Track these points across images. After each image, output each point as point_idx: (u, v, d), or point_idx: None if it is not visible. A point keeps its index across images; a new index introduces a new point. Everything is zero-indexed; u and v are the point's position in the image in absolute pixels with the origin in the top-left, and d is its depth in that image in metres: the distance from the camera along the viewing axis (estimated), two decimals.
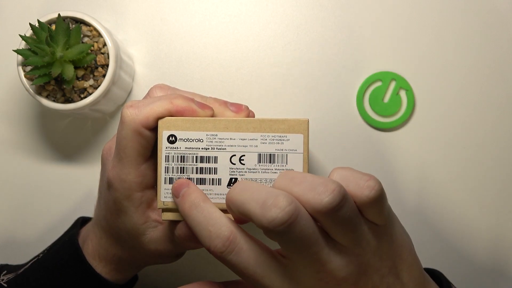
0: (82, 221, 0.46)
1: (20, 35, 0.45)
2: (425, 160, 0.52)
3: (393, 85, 0.52)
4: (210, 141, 0.35)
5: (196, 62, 0.53)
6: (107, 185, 0.39)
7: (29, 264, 0.45)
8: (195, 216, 0.33)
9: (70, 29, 0.45)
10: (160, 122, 0.36)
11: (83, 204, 0.54)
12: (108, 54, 0.47)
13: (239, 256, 0.31)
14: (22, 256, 0.52)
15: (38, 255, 0.45)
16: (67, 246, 0.43)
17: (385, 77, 0.52)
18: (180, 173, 0.36)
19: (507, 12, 0.52)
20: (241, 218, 0.33)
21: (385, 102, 0.52)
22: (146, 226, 0.39)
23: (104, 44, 0.47)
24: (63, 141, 0.54)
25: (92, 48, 0.47)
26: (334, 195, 0.29)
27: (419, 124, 0.52)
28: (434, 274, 0.39)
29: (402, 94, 0.52)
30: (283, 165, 0.35)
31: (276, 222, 0.29)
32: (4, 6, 0.54)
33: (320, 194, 0.30)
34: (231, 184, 0.35)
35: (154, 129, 0.36)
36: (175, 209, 0.36)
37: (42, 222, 0.54)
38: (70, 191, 0.53)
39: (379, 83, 0.52)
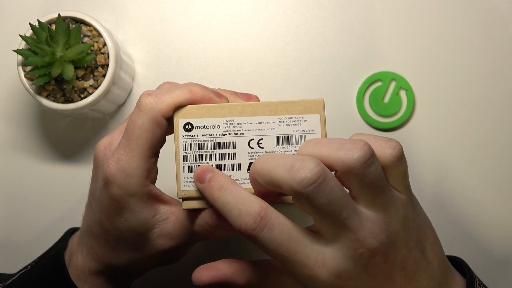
0: (72, 233, 0.45)
1: (20, 35, 0.45)
2: (425, 160, 0.52)
3: (393, 85, 0.52)
4: (227, 127, 0.35)
5: (196, 62, 0.53)
6: (104, 183, 0.37)
7: (17, 276, 0.43)
8: (224, 197, 0.33)
9: (70, 29, 0.45)
10: (175, 110, 0.35)
11: (82, 204, 0.53)
12: (108, 54, 0.47)
13: (271, 232, 0.31)
14: (21, 256, 0.52)
15: (26, 267, 0.43)
16: (52, 262, 0.41)
17: (385, 77, 0.52)
18: (199, 160, 0.35)
19: (507, 12, 0.52)
20: (266, 192, 0.33)
21: (385, 102, 0.52)
22: (155, 219, 0.37)
23: (104, 44, 0.47)
24: (63, 141, 0.54)
25: (92, 48, 0.47)
26: (364, 150, 0.30)
27: (419, 124, 0.52)
28: (457, 262, 0.39)
29: (402, 94, 0.52)
30: None
31: (306, 182, 0.29)
32: (4, 6, 0.54)
33: (351, 150, 0.30)
34: None
35: (169, 119, 0.36)
36: (197, 197, 0.35)
37: (41, 222, 0.54)
38: (70, 191, 0.53)
39: (379, 83, 0.52)
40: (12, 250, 0.54)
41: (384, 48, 0.53)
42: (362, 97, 0.52)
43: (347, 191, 0.32)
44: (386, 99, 0.52)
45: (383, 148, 0.32)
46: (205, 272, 0.35)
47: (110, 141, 0.39)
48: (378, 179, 0.31)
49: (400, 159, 0.32)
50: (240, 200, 0.32)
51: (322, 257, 0.31)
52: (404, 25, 0.53)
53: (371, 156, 0.30)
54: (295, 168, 0.30)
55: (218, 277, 0.35)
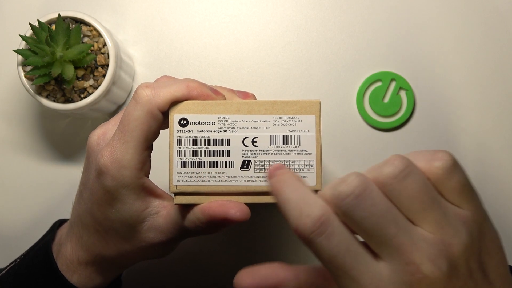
0: (60, 225, 0.44)
1: (20, 35, 0.45)
2: None
3: (393, 85, 0.52)
4: (222, 124, 0.35)
5: (196, 62, 0.53)
6: (97, 173, 0.36)
7: (6, 269, 0.43)
8: (287, 193, 0.30)
9: (70, 29, 0.45)
10: (171, 105, 0.36)
11: None
12: (108, 54, 0.47)
13: (329, 240, 0.28)
14: None
15: (15, 260, 0.43)
16: (40, 254, 0.41)
17: (385, 77, 0.52)
18: (193, 156, 0.35)
19: (507, 12, 0.52)
20: None
21: (385, 102, 0.52)
22: (147, 212, 0.37)
23: (104, 44, 0.47)
24: (63, 141, 0.54)
25: (92, 48, 0.47)
26: (395, 165, 0.28)
27: (419, 124, 0.52)
28: None
29: (402, 94, 0.52)
30: (296, 146, 0.35)
31: (346, 194, 0.28)
32: (4, 6, 0.54)
33: (382, 167, 0.29)
34: (244, 167, 0.35)
35: (164, 113, 0.36)
36: (188, 193, 0.35)
37: (41, 222, 0.54)
38: (70, 191, 0.53)
39: (379, 83, 0.52)
40: (12, 250, 0.54)
41: (384, 48, 0.53)
42: (362, 97, 0.52)
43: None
44: (386, 99, 0.52)
45: (429, 161, 0.29)
46: (248, 280, 0.32)
47: (104, 132, 0.39)
48: (420, 193, 0.28)
49: (451, 169, 0.29)
50: (304, 199, 0.30)
51: (377, 278, 0.28)
52: (404, 25, 0.53)
53: (405, 169, 0.28)
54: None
55: (261, 286, 0.32)
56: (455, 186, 0.30)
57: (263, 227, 0.52)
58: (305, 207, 0.29)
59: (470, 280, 0.29)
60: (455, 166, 0.30)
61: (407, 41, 0.53)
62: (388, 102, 0.52)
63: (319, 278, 0.33)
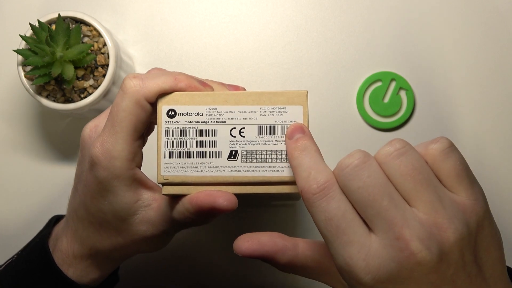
0: (56, 221, 0.45)
1: (20, 35, 0.45)
2: None
3: (393, 85, 0.52)
4: (209, 115, 0.35)
5: (196, 62, 0.53)
6: (90, 165, 0.37)
7: (4, 266, 0.43)
8: (302, 158, 0.33)
9: (70, 29, 0.45)
10: (159, 97, 0.36)
11: None
12: (108, 54, 0.47)
13: (329, 203, 0.30)
14: None
15: (13, 257, 0.44)
16: (37, 249, 0.42)
17: (385, 77, 0.52)
18: (180, 146, 0.36)
19: (507, 12, 0.52)
20: None
21: (385, 102, 0.52)
22: (138, 205, 0.37)
23: (104, 44, 0.47)
24: (63, 141, 0.54)
25: (92, 48, 0.47)
26: (393, 143, 0.30)
27: (419, 124, 0.52)
28: None
29: (402, 94, 0.52)
30: (283, 137, 0.35)
31: (349, 163, 0.30)
32: (4, 6, 0.54)
33: (383, 147, 0.30)
34: (232, 157, 0.35)
35: (153, 104, 0.36)
36: (176, 183, 0.36)
37: (41, 222, 0.54)
38: (69, 190, 0.53)
39: (379, 83, 0.52)
40: (12, 249, 0.54)
41: (384, 48, 0.53)
42: (362, 97, 0.52)
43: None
44: (386, 99, 0.52)
45: (426, 145, 0.31)
46: (246, 244, 0.34)
47: (97, 124, 0.39)
48: (414, 171, 0.29)
49: (447, 151, 0.30)
50: (314, 165, 0.32)
51: (365, 250, 0.29)
52: (404, 25, 0.53)
53: (401, 148, 0.30)
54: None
55: (259, 252, 0.34)
56: (450, 169, 0.31)
57: (263, 226, 0.52)
58: (314, 172, 0.31)
59: (463, 272, 0.29)
60: (451, 149, 0.31)
61: (407, 41, 0.53)
62: (388, 102, 0.52)
63: (316, 252, 0.35)
